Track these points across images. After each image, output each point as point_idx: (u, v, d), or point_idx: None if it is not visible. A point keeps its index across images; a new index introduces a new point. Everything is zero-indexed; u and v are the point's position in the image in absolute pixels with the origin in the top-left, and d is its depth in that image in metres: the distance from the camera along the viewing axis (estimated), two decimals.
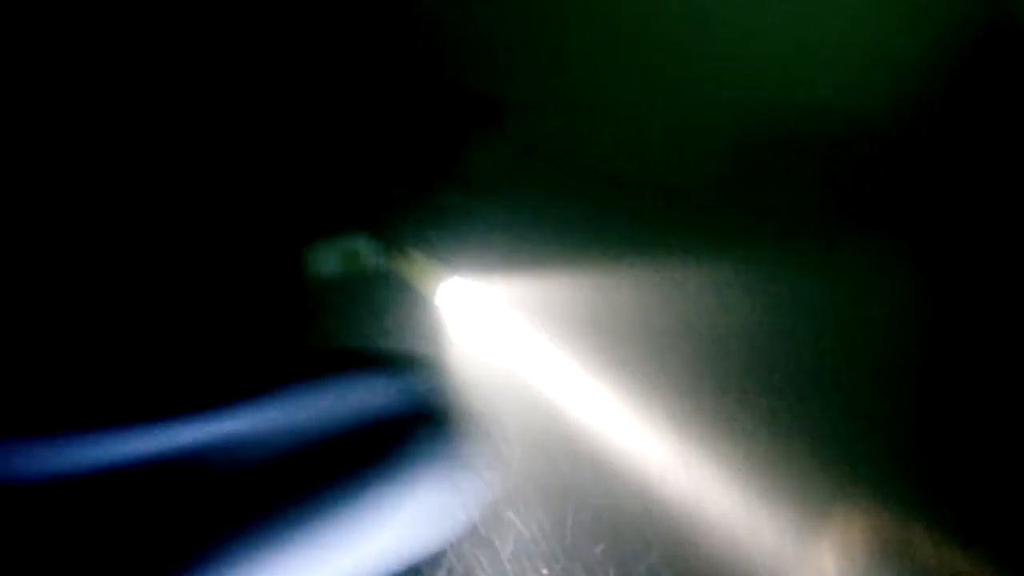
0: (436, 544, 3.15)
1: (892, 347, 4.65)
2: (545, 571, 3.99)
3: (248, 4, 4.64)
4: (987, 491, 3.94)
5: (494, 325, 5.11)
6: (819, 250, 4.92)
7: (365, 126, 5.03)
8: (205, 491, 2.25)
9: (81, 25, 4.40)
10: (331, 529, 2.36)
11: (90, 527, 2.11)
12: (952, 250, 4.62)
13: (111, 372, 3.25)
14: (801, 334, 5.04)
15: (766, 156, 5.16)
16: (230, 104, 4.76)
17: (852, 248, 4.87)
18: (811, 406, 4.71)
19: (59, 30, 4.36)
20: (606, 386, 4.97)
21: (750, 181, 5.27)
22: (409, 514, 2.64)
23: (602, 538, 4.64)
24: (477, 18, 4.99)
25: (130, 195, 4.42)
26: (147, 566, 2.07)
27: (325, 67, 4.94)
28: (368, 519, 2.48)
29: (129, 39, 4.43)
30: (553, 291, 5.18)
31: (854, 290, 4.93)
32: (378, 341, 4.91)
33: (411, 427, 2.76)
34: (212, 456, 2.29)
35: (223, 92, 4.74)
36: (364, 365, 2.86)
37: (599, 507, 4.71)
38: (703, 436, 4.77)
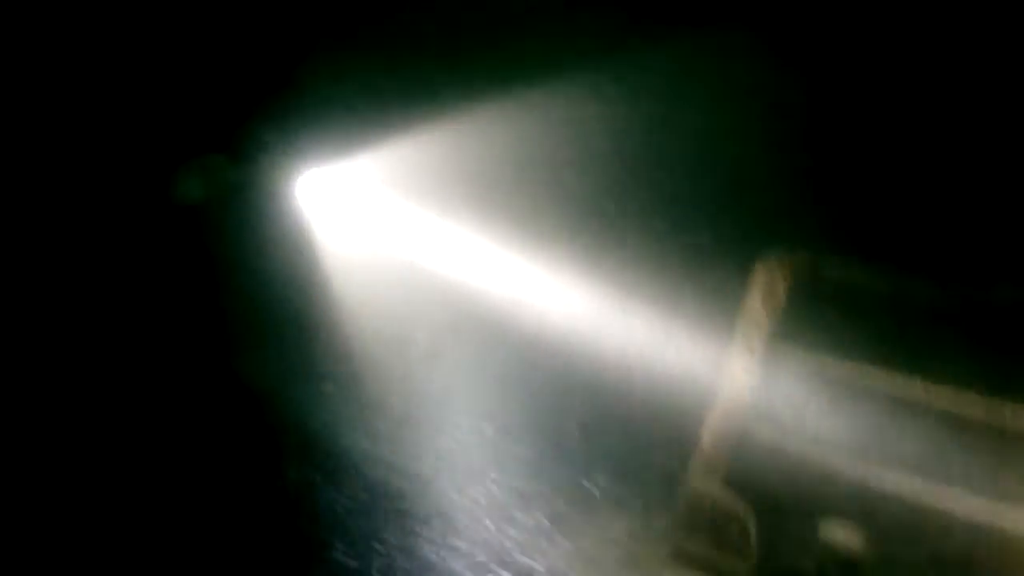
0: None
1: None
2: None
3: None
4: (875, 218, 4.32)
5: (363, 205, 4.86)
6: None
7: (202, 46, 4.70)
8: None
9: None
10: None
11: None
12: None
13: None
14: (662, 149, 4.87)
15: None
16: (86, 42, 4.61)
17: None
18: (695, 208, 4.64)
19: None
20: (488, 240, 4.78)
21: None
22: None
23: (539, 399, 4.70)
24: None
25: None
26: None
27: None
28: None
29: None
30: (406, 157, 4.81)
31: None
32: (253, 253, 4.79)
33: None
34: None
35: (80, 33, 4.58)
36: None
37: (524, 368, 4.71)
38: (599, 266, 4.73)
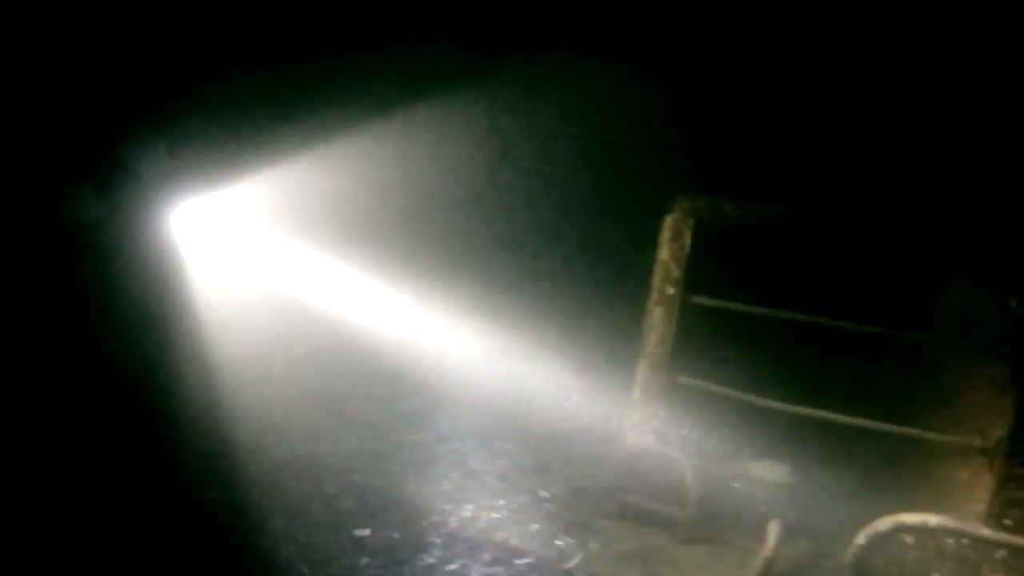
0: None
1: None
2: None
3: None
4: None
5: (231, 233, 5.01)
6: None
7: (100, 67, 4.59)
8: None
9: None
10: None
11: None
12: None
13: None
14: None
15: None
16: None
17: None
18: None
19: None
20: (354, 269, 5.10)
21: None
22: None
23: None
24: None
25: None
26: None
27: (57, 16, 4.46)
28: None
29: None
30: (274, 187, 4.95)
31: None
32: (119, 281, 4.83)
33: None
34: None
35: None
36: None
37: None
38: (466, 289, 5.09)
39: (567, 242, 5.06)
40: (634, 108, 4.72)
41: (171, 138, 4.78)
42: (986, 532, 3.47)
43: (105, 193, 4.61)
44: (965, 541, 3.49)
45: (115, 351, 4.68)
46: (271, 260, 5.14)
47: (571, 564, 3.99)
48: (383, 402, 5.23)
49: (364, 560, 4.05)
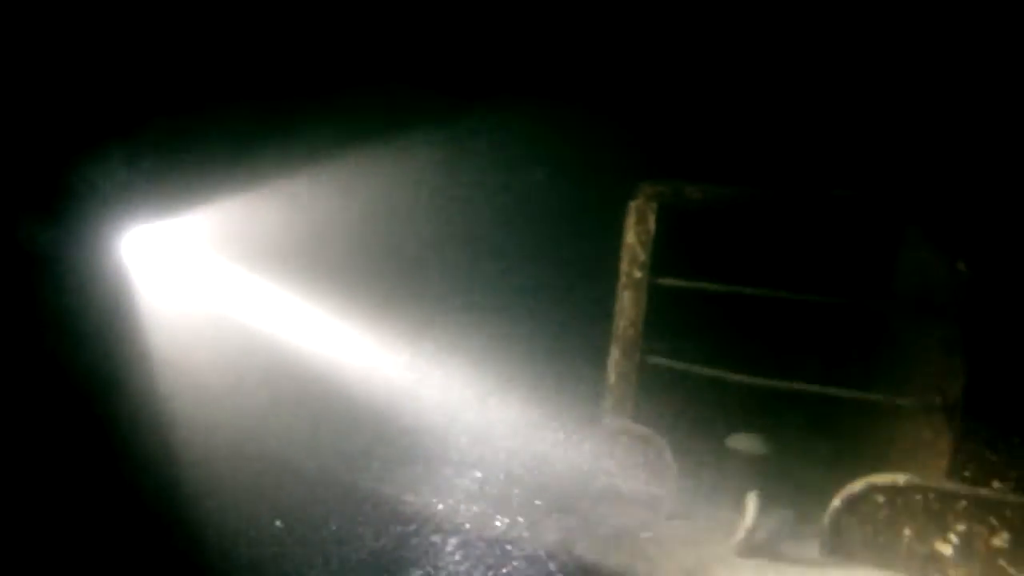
0: None
1: None
2: None
3: None
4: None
5: (182, 262, 5.11)
6: None
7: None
8: None
9: None
10: None
11: None
12: None
13: None
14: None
15: None
16: None
17: None
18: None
19: None
20: (300, 299, 5.26)
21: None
22: None
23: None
24: None
25: None
26: None
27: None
28: None
29: None
30: (226, 219, 5.04)
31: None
32: (71, 307, 4.85)
33: None
34: None
35: None
36: None
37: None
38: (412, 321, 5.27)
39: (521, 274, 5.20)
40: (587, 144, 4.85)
41: (128, 164, 4.72)
42: (949, 486, 3.69)
43: (61, 216, 4.51)
44: (931, 496, 3.69)
45: (80, 367, 4.56)
46: (218, 284, 5.20)
47: (555, 546, 4.05)
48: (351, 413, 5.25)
49: (353, 554, 4.08)
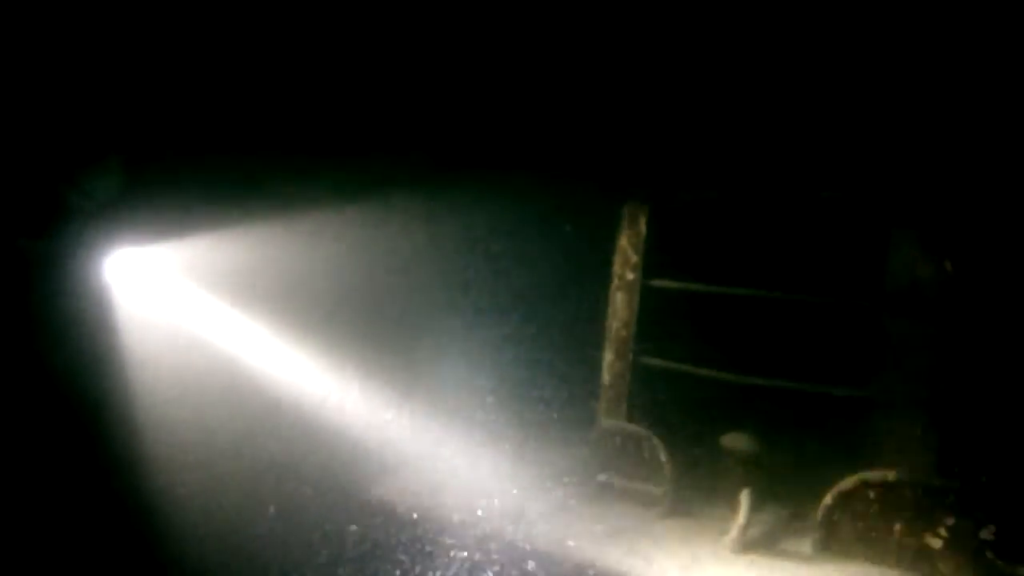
0: None
1: None
2: None
3: None
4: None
5: (164, 289, 5.21)
6: None
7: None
8: None
9: None
10: None
11: None
12: None
13: None
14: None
15: None
16: None
17: None
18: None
19: None
20: (273, 333, 5.37)
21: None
22: None
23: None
24: None
25: None
26: None
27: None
28: None
29: None
30: (215, 254, 5.17)
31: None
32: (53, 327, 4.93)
33: None
34: None
35: None
36: None
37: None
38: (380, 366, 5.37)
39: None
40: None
41: (118, 185, 4.79)
42: (937, 481, 3.77)
43: (50, 232, 4.53)
44: (920, 491, 3.77)
45: (74, 374, 4.57)
46: (198, 319, 5.28)
47: (552, 544, 4.08)
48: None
49: (348, 552, 4.10)
